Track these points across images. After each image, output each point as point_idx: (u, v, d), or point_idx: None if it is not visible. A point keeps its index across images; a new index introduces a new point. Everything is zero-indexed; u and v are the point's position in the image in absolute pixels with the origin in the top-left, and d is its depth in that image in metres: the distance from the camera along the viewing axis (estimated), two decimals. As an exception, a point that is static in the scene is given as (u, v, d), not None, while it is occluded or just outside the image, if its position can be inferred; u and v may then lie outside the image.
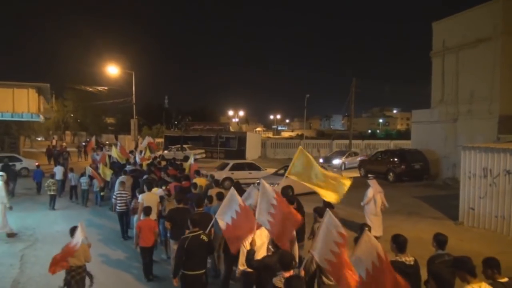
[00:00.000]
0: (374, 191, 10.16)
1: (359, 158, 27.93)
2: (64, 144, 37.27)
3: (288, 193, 8.65)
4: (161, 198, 8.95)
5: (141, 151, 19.69)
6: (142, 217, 7.91)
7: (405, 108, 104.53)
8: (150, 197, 8.81)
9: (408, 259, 4.66)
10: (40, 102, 18.33)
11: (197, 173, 12.65)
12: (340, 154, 30.35)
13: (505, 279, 4.09)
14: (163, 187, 9.76)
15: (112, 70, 33.86)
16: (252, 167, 19.31)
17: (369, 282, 4.06)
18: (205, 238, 5.64)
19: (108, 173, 14.42)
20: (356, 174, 22.89)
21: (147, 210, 7.72)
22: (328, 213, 4.55)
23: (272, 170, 19.12)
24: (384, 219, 12.30)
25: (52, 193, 13.70)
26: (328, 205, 7.24)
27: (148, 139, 21.27)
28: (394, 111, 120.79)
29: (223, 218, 5.81)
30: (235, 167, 18.71)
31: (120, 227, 10.49)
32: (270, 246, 5.68)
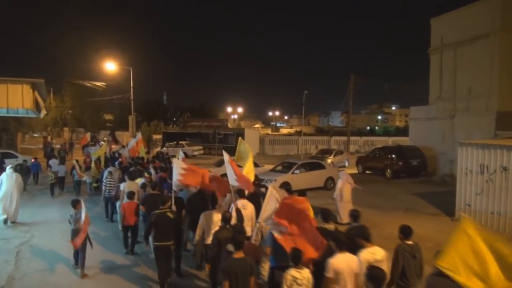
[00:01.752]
0: (343, 182, 11.17)
1: (346, 158, 27.01)
2: (54, 141, 37.84)
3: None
4: (143, 185, 9.82)
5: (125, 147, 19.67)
6: (125, 201, 8.96)
7: (404, 104, 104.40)
8: (130, 185, 9.84)
9: (329, 226, 5.84)
10: (36, 98, 18.23)
11: None
12: (326, 153, 27.17)
13: (411, 242, 4.97)
14: (146, 175, 10.69)
15: (110, 66, 33.66)
16: (249, 163, 19.21)
17: (284, 217, 5.41)
18: (170, 215, 6.76)
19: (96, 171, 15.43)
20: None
21: (130, 195, 8.84)
22: (270, 188, 6.34)
23: (270, 167, 19.07)
24: (381, 215, 12.32)
25: (52, 181, 15.53)
26: (286, 187, 8.75)
27: (138, 137, 19.66)
28: (393, 108, 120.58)
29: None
30: (233, 164, 18.63)
31: (105, 210, 11.75)
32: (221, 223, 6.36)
